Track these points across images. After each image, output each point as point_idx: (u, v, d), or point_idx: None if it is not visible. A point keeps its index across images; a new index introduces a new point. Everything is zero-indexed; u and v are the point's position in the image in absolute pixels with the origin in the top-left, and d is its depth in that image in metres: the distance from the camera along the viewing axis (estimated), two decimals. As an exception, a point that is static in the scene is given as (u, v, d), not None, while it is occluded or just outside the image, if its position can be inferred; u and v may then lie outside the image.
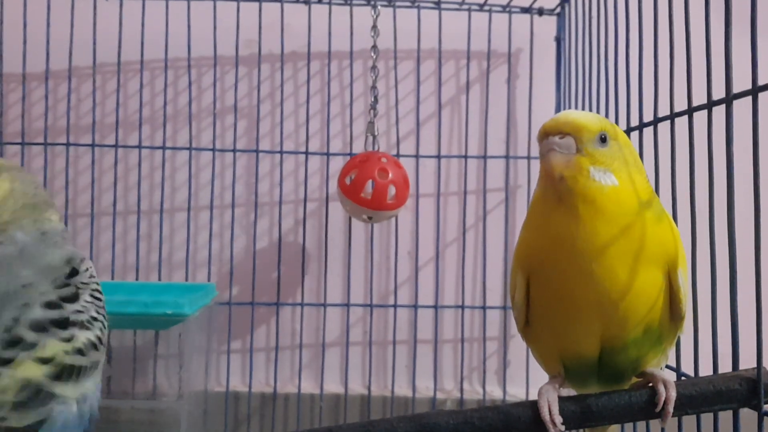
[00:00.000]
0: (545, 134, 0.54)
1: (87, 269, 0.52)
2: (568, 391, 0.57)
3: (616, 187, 0.53)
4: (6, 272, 0.48)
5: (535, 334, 0.59)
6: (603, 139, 0.54)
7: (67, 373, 0.46)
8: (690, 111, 0.66)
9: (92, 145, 1.09)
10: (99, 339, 0.50)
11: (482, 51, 1.14)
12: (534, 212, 0.57)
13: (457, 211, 1.15)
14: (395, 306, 1.13)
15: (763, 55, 0.57)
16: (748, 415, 0.55)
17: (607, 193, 0.52)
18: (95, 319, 0.50)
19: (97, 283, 0.52)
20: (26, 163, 1.11)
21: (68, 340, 0.47)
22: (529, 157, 1.13)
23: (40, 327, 0.46)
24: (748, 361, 0.56)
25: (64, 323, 0.47)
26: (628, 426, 0.76)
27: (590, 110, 0.94)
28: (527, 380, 1.11)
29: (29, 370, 0.45)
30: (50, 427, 0.45)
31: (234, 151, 1.12)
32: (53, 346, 0.46)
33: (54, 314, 0.47)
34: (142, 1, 1.08)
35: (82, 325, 0.48)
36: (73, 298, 0.49)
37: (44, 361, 0.45)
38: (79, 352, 0.47)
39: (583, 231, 0.52)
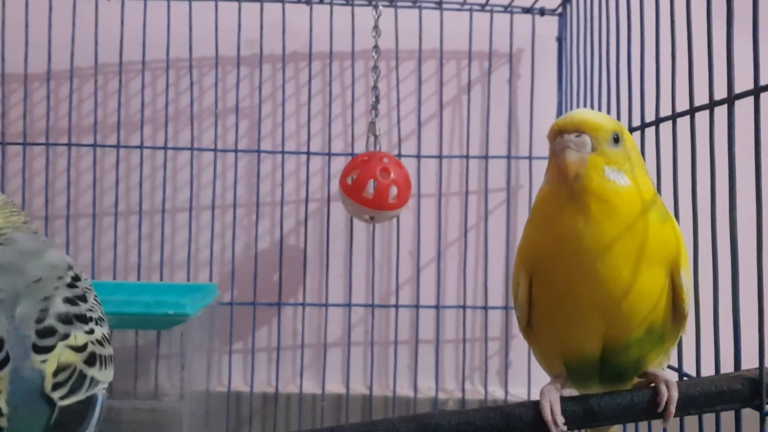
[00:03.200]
0: (559, 132, 0.54)
1: (86, 278, 0.56)
2: (570, 392, 0.57)
3: (629, 187, 0.53)
4: (14, 269, 0.51)
5: (537, 334, 0.59)
6: (616, 140, 0.54)
7: (97, 360, 0.50)
8: (692, 111, 0.66)
9: (94, 146, 1.09)
10: (109, 335, 0.54)
11: (484, 51, 1.14)
12: (540, 210, 0.56)
13: (458, 211, 1.15)
14: (397, 306, 1.13)
15: (765, 56, 0.57)
16: (749, 415, 0.55)
17: (621, 193, 0.52)
18: (102, 319, 0.54)
19: (95, 291, 0.56)
20: (27, 164, 1.11)
21: (90, 333, 0.51)
22: (530, 157, 1.13)
23: (67, 319, 0.50)
24: (750, 361, 0.56)
25: (84, 318, 0.51)
26: (630, 426, 0.76)
27: (591, 110, 0.94)
28: (529, 380, 1.11)
29: (70, 356, 0.48)
30: (95, 407, 0.49)
31: (236, 151, 1.12)
32: (82, 336, 0.50)
33: (75, 309, 0.51)
34: (143, 2, 1.09)
35: (96, 322, 0.52)
36: (84, 298, 0.52)
37: (78, 349, 0.49)
38: (100, 343, 0.51)
39: (591, 230, 0.52)
